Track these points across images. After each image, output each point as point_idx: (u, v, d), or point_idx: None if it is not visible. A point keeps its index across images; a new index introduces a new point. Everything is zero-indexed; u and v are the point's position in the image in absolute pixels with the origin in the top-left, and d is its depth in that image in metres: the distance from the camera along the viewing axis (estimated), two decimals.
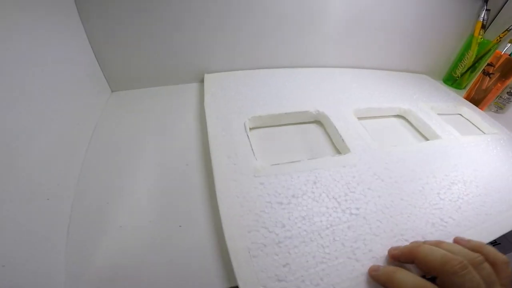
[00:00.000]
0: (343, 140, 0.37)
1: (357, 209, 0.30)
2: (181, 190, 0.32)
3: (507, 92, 0.61)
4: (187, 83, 0.51)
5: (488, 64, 0.59)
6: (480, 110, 0.57)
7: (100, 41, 0.42)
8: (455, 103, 0.55)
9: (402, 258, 0.25)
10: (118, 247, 0.26)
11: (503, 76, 0.58)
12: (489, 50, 0.62)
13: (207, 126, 0.36)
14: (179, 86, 0.50)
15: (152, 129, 0.40)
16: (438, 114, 0.49)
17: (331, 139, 0.40)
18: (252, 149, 0.33)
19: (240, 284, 0.22)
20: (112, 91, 0.48)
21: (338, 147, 0.38)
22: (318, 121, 0.43)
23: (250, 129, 0.39)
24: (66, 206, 0.29)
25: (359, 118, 0.42)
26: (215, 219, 0.29)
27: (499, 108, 0.63)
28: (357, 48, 0.58)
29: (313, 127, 0.42)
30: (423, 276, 0.22)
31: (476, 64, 0.65)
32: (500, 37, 0.60)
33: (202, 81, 0.49)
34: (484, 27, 0.61)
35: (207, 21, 0.45)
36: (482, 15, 0.61)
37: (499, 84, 0.59)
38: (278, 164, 0.32)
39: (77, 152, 0.34)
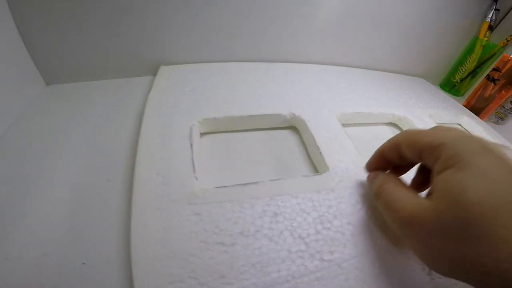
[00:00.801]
0: (321, 153, 0.28)
1: (331, 253, 0.21)
2: (94, 216, 0.23)
3: (511, 102, 0.54)
4: (140, 76, 0.42)
5: (493, 69, 0.51)
6: (481, 121, 0.50)
7: (30, 25, 0.33)
8: (455, 112, 0.48)
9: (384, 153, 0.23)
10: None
11: (509, 83, 0.51)
12: (494, 54, 0.55)
13: (140, 129, 0.27)
14: (130, 79, 0.41)
15: (81, 132, 0.31)
16: (437, 123, 0.41)
17: (307, 151, 0.31)
18: (193, 164, 0.24)
19: None
20: (46, 84, 0.38)
21: (315, 162, 0.29)
22: (293, 126, 0.34)
23: (202, 134, 0.30)
24: None
25: (344, 125, 0.34)
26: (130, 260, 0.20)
27: (500, 118, 0.57)
28: (348, 45, 0.50)
29: (286, 134, 0.33)
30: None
31: (478, 70, 0.58)
32: (508, 40, 0.53)
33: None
34: (491, 28, 0.54)
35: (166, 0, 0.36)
36: (490, 15, 0.54)
37: (503, 92, 0.52)
38: (225, 186, 0.23)
39: None
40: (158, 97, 0.32)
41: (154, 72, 0.40)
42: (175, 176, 0.23)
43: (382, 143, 0.23)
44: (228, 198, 0.22)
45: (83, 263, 0.21)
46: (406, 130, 0.22)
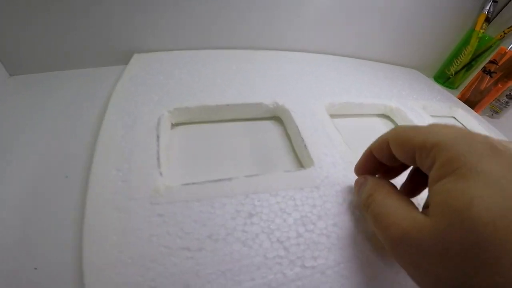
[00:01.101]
0: (305, 146, 0.25)
1: (314, 258, 0.19)
2: (49, 215, 0.21)
3: (507, 95, 0.52)
4: (112, 65, 0.38)
5: (490, 62, 0.50)
6: (476, 114, 0.49)
7: None
8: (450, 104, 0.46)
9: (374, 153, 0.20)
10: None
11: (506, 76, 0.49)
12: (490, 47, 0.53)
13: (103, 120, 0.24)
14: (100, 69, 0.38)
15: (42, 125, 0.28)
16: (431, 116, 0.39)
17: (291, 144, 0.28)
18: (159, 158, 0.21)
19: None
20: (10, 75, 0.35)
21: (300, 156, 0.27)
22: (277, 117, 0.31)
23: (173, 125, 0.27)
24: None
25: (333, 116, 0.31)
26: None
27: (495, 112, 0.55)
28: (339, 32, 0.47)
29: (268, 125, 0.30)
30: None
31: (473, 62, 0.56)
32: (505, 33, 0.51)
33: None
34: (488, 20, 0.52)
35: None
36: (488, 7, 0.51)
37: (499, 85, 0.51)
38: (193, 183, 0.21)
39: None
40: (127, 86, 0.29)
41: (127, 61, 0.37)
42: (136, 172, 0.20)
43: (373, 135, 0.20)
44: (196, 196, 0.20)
45: (35, 268, 0.18)
46: (397, 126, 0.18)
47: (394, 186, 0.18)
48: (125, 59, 0.37)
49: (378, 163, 0.20)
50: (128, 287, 0.16)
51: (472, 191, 0.12)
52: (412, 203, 0.16)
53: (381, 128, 0.36)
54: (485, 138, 0.14)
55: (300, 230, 0.20)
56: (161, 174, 0.20)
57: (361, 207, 0.19)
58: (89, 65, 0.38)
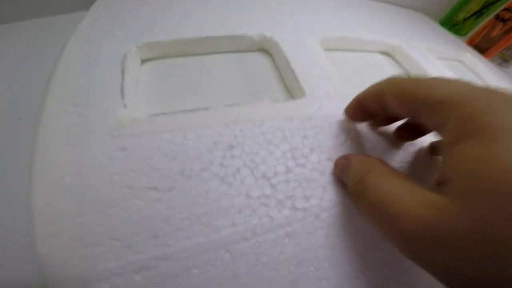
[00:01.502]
0: (296, 77, 0.22)
1: (306, 198, 0.16)
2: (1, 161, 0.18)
3: None
4: (71, 12, 0.33)
5: (504, 9, 0.46)
6: (485, 60, 0.45)
7: None
8: (456, 48, 0.42)
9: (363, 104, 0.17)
10: None
11: None
12: None
13: (59, 60, 0.20)
14: (58, 16, 0.33)
15: None
16: (438, 58, 0.35)
17: (281, 77, 0.24)
18: (122, 91, 0.18)
19: None
20: None
21: (289, 88, 0.23)
22: (265, 50, 0.27)
23: (143, 61, 0.23)
24: None
25: (328, 50, 0.27)
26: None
27: (504, 60, 0.52)
28: None
29: (254, 57, 0.26)
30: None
31: (484, 10, 0.52)
32: None
33: None
34: None
35: None
36: None
37: None
38: (164, 113, 0.17)
39: None
40: (88, 28, 0.24)
41: (88, 7, 0.32)
42: (96, 106, 0.17)
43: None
44: (167, 127, 0.17)
45: None
46: (392, 77, 0.15)
47: (385, 163, 0.14)
48: (86, 5, 0.32)
49: (367, 113, 0.17)
50: (85, 240, 0.13)
51: (510, 155, 0.09)
52: (415, 183, 0.12)
53: (383, 64, 0.32)
54: (501, 92, 0.11)
55: (290, 164, 0.17)
56: (125, 106, 0.17)
57: (351, 196, 0.15)
58: (45, 13, 0.33)
